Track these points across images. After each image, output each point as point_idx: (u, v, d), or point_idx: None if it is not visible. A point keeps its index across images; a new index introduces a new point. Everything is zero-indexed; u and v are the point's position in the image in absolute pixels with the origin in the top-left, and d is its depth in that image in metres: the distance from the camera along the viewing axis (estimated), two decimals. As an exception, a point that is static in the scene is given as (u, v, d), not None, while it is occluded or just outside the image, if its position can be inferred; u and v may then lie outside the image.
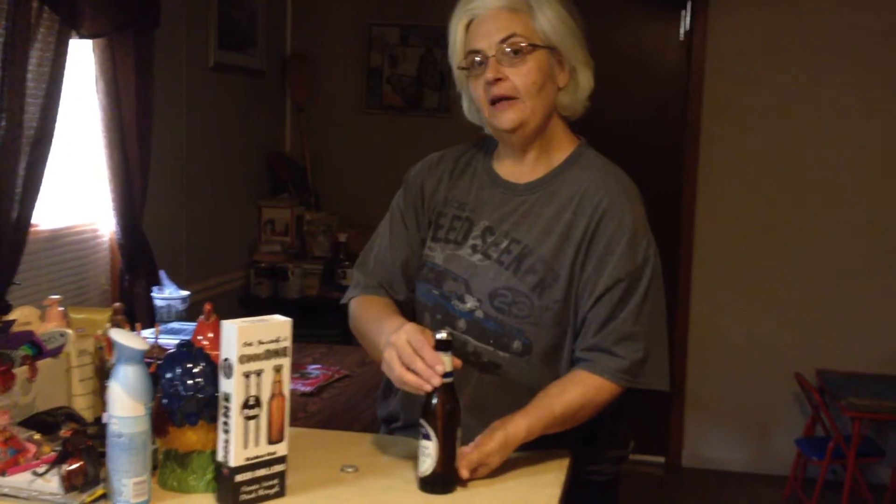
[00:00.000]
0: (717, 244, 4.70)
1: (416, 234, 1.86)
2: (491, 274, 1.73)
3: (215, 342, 1.54)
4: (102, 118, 3.18)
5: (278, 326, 1.43)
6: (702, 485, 4.60)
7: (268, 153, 4.80)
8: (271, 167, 4.80)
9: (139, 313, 3.23)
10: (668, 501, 4.52)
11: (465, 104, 1.84)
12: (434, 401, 1.49)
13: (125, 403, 1.37)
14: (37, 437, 1.57)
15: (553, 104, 1.75)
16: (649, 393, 1.71)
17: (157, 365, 1.47)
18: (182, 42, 3.82)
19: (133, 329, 1.94)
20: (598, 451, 1.81)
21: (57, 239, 3.13)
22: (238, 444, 1.40)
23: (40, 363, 1.72)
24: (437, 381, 1.49)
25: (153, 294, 3.01)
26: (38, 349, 1.74)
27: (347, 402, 2.67)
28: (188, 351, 1.45)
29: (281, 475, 1.46)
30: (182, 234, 3.90)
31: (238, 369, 1.39)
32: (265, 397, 1.42)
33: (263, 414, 1.42)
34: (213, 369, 1.43)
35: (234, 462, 1.40)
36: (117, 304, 2.15)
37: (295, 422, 1.95)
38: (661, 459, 4.82)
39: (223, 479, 1.42)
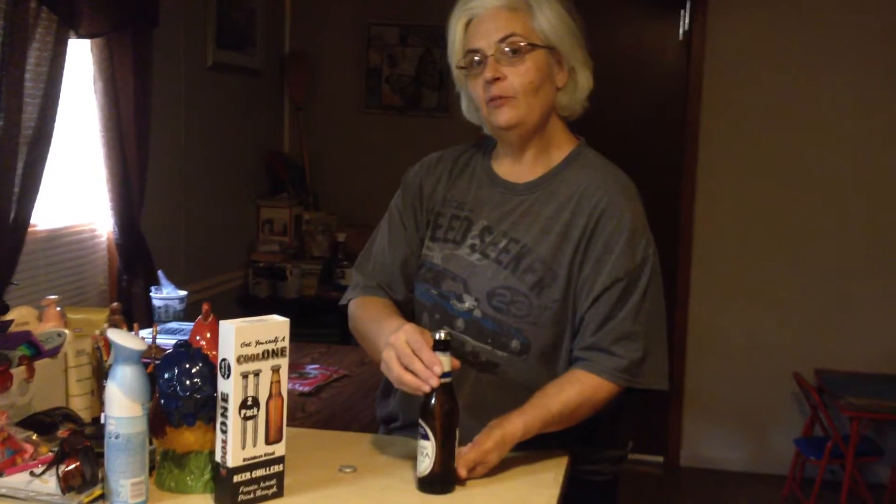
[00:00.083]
0: (715, 244, 4.70)
1: (415, 234, 1.86)
2: (489, 273, 1.73)
3: (213, 342, 1.54)
4: (101, 118, 3.18)
5: (276, 327, 1.43)
6: (700, 484, 4.60)
7: (266, 153, 4.80)
8: (270, 167, 4.80)
9: (137, 313, 3.22)
10: (667, 501, 4.52)
11: (464, 104, 1.84)
12: (432, 401, 1.49)
13: (122, 404, 1.37)
14: (34, 437, 1.57)
15: (551, 104, 1.75)
16: (648, 393, 1.71)
17: (155, 365, 1.47)
18: (180, 42, 3.82)
19: (131, 329, 1.94)
20: (596, 450, 1.81)
21: (55, 239, 3.13)
22: (236, 444, 1.40)
23: (38, 363, 1.72)
24: (435, 382, 1.49)
25: (151, 294, 3.00)
26: (36, 349, 1.74)
27: (346, 402, 2.67)
28: (186, 351, 1.45)
29: (279, 475, 1.46)
30: (180, 233, 3.90)
31: (236, 369, 1.38)
32: (263, 397, 1.42)
33: (261, 414, 1.42)
34: (211, 369, 1.43)
35: (231, 462, 1.40)
36: (115, 304, 2.15)
37: (293, 422, 1.95)
38: (660, 459, 4.82)
39: (221, 479, 1.42)
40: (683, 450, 4.81)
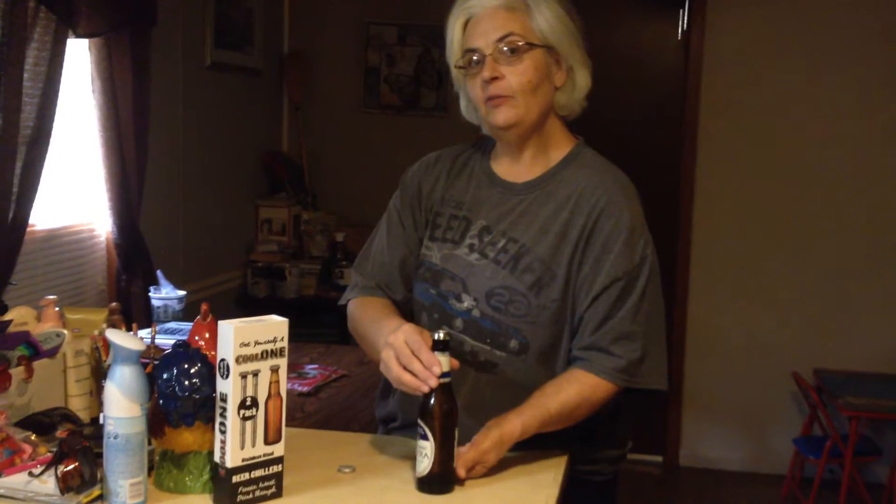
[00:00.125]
0: (714, 243, 4.70)
1: (414, 234, 1.86)
2: (488, 273, 1.73)
3: (212, 342, 1.54)
4: (99, 117, 3.17)
5: (275, 327, 1.43)
6: (699, 484, 4.60)
7: (265, 152, 4.80)
8: (268, 166, 4.80)
9: (136, 313, 3.22)
10: (666, 501, 4.52)
11: (462, 103, 1.84)
12: (431, 401, 1.49)
13: (121, 404, 1.37)
14: (33, 437, 1.57)
15: (550, 103, 1.75)
16: (647, 392, 1.71)
17: (154, 365, 1.47)
18: (179, 41, 3.82)
19: (129, 329, 1.94)
20: (595, 450, 1.81)
21: (53, 239, 3.13)
22: (235, 444, 1.40)
23: (36, 364, 1.71)
24: (433, 383, 1.49)
25: (150, 294, 3.00)
26: (35, 350, 1.73)
27: (345, 401, 2.67)
28: (185, 351, 1.45)
29: (278, 476, 1.46)
30: (179, 233, 3.90)
31: (235, 370, 1.38)
32: (262, 398, 1.42)
33: (260, 414, 1.42)
34: (210, 370, 1.43)
35: (230, 463, 1.40)
36: (114, 304, 2.15)
37: (292, 422, 1.95)
38: (659, 459, 4.82)
39: (220, 479, 1.42)
40: (682, 449, 4.81)
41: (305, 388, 2.70)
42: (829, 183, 4.56)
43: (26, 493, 1.42)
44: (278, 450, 1.45)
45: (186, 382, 1.41)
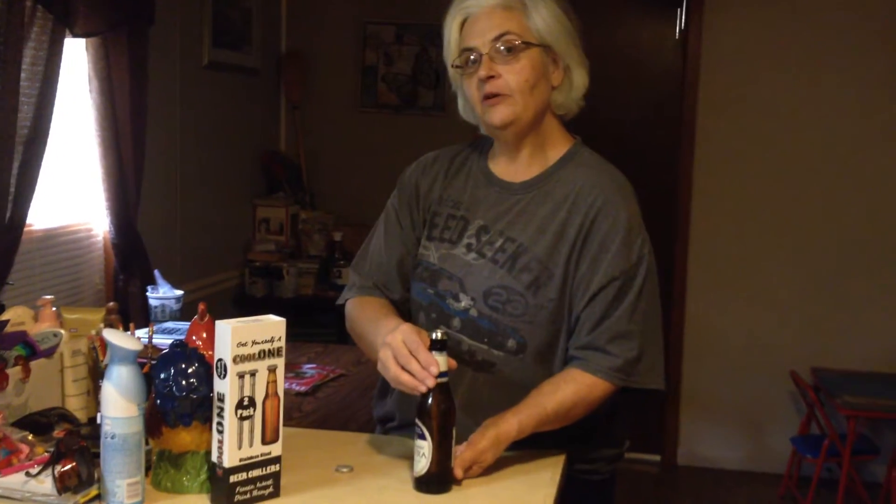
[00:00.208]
0: (712, 243, 4.70)
1: (411, 234, 1.86)
2: (485, 272, 1.73)
3: (209, 342, 1.54)
4: (96, 117, 3.17)
5: (272, 326, 1.43)
6: (697, 483, 4.60)
7: (262, 152, 4.79)
8: (266, 166, 4.79)
9: (133, 313, 3.22)
10: (664, 500, 4.52)
11: (460, 103, 1.84)
12: (429, 401, 1.49)
13: (119, 404, 1.37)
14: (30, 437, 1.57)
15: (546, 102, 1.75)
16: (644, 392, 1.71)
17: (151, 365, 1.47)
18: (176, 40, 3.82)
19: (127, 329, 1.93)
20: (593, 449, 1.81)
21: (51, 238, 3.12)
22: (232, 444, 1.40)
23: (34, 364, 1.71)
24: (431, 383, 1.49)
25: (147, 294, 3.00)
26: (32, 349, 1.73)
27: (343, 401, 2.67)
28: (182, 351, 1.45)
29: (275, 475, 1.46)
30: (176, 233, 3.90)
31: (232, 369, 1.38)
32: (259, 397, 1.42)
33: (258, 414, 1.42)
34: (208, 369, 1.43)
35: (228, 463, 1.40)
36: (111, 304, 2.14)
37: (290, 421, 1.95)
38: (657, 458, 4.82)
39: (217, 479, 1.41)
40: (680, 448, 4.81)
41: (303, 388, 2.70)
42: (826, 182, 4.56)
43: (23, 493, 1.42)
44: (276, 449, 1.45)
45: (184, 382, 1.41)
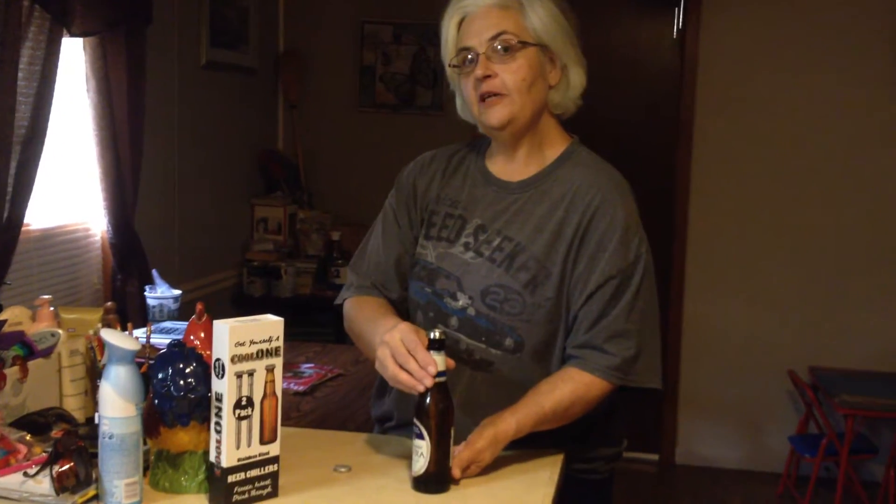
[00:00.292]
0: (710, 242, 4.70)
1: (409, 233, 1.86)
2: (483, 271, 1.73)
3: (207, 342, 1.54)
4: (94, 117, 3.17)
5: (270, 326, 1.43)
6: (695, 482, 4.60)
7: (260, 151, 4.79)
8: (264, 165, 4.79)
9: (131, 313, 3.22)
10: (662, 499, 4.53)
11: (458, 102, 1.84)
12: (427, 400, 1.49)
13: (116, 404, 1.37)
14: (28, 437, 1.57)
15: (543, 102, 1.75)
16: (642, 391, 1.71)
17: (149, 365, 1.47)
18: (174, 40, 3.81)
19: (125, 328, 1.93)
20: (591, 449, 1.81)
21: (48, 238, 3.12)
22: (230, 444, 1.40)
23: (31, 364, 1.71)
24: (429, 382, 1.49)
25: (145, 293, 3.00)
26: (29, 349, 1.73)
27: (341, 401, 2.67)
28: (180, 351, 1.45)
29: (273, 475, 1.46)
30: (174, 232, 3.89)
31: (230, 369, 1.38)
32: (257, 397, 1.42)
33: (256, 414, 1.42)
34: (205, 369, 1.43)
35: (226, 462, 1.40)
36: (109, 304, 2.14)
37: (288, 421, 1.95)
38: (655, 457, 4.82)
39: (215, 479, 1.41)
40: (678, 448, 4.81)
41: (301, 388, 2.70)
42: (825, 182, 4.57)
43: (21, 493, 1.42)
44: (274, 449, 1.45)
45: (182, 382, 1.41)
